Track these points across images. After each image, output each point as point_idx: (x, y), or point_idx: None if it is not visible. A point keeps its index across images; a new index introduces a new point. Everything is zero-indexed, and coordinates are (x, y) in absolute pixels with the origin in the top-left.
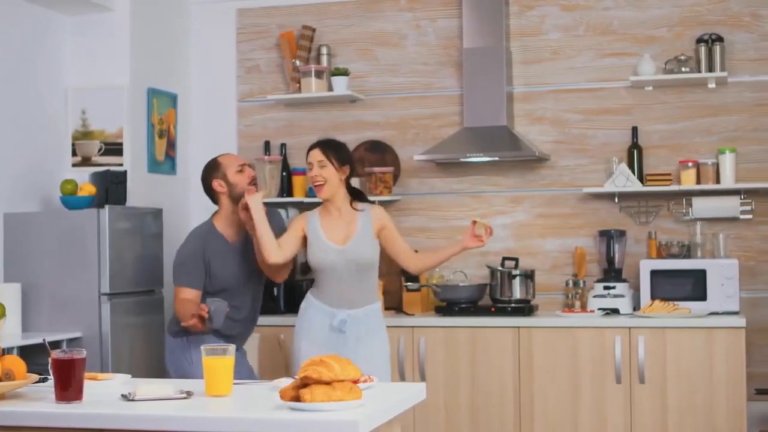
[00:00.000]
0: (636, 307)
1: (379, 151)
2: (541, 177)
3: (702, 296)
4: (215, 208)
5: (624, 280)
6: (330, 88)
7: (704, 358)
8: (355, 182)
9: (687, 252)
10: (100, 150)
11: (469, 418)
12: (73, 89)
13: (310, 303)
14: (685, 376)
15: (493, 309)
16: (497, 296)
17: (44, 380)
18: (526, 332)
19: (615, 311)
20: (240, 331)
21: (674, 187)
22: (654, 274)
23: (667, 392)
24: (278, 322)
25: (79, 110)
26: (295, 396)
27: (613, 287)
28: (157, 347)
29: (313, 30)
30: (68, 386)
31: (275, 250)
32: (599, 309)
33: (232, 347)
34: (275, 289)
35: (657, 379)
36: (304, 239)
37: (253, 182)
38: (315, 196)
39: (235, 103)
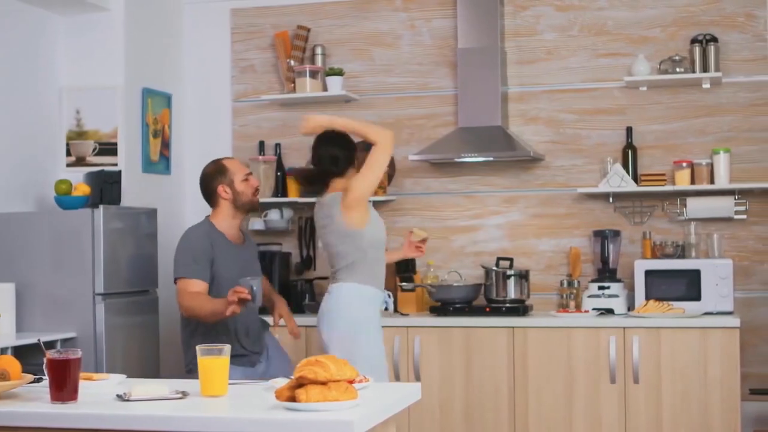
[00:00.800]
0: (630, 307)
1: None
2: (535, 177)
3: (696, 296)
4: (210, 208)
5: (618, 280)
6: (325, 88)
7: (699, 358)
8: None
9: (681, 252)
10: (94, 150)
11: (463, 417)
12: (68, 89)
13: (359, 292)
14: (679, 376)
15: (487, 309)
16: (492, 296)
17: (39, 380)
18: (520, 332)
19: (609, 311)
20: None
21: (669, 188)
22: (648, 274)
23: (661, 392)
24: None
25: (73, 110)
26: (290, 396)
27: (608, 287)
28: (152, 347)
29: (308, 30)
30: (63, 386)
31: (381, 129)
32: (594, 309)
33: (227, 347)
34: None
35: (651, 379)
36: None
37: (257, 191)
38: (309, 196)
39: (230, 103)
